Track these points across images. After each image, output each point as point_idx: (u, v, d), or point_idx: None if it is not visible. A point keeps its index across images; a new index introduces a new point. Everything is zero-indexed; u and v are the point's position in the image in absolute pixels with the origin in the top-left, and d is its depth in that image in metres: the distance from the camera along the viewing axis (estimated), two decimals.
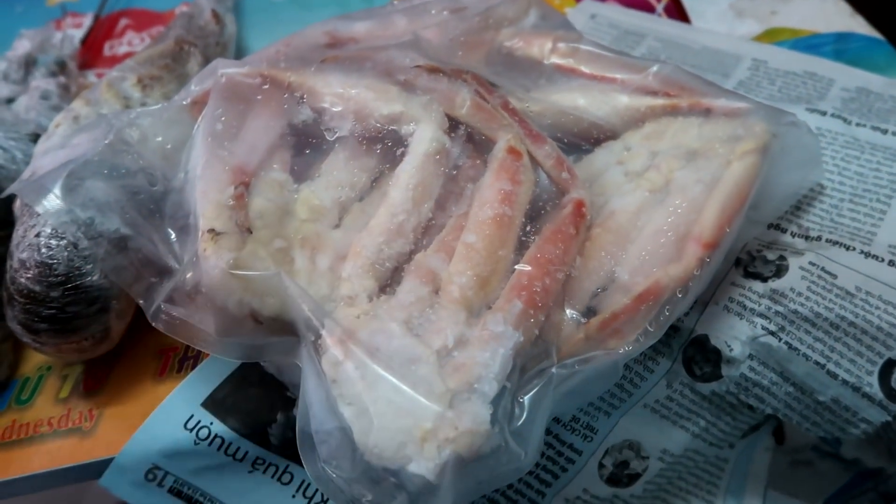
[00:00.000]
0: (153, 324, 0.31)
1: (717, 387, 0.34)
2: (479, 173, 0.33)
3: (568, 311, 0.30)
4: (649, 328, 0.29)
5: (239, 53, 0.56)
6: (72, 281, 0.33)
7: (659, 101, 0.38)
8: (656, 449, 0.35)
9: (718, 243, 0.31)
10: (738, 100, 0.36)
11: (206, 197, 0.31)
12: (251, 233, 0.30)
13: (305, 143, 0.35)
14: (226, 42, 0.53)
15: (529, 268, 0.29)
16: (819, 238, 0.37)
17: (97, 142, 0.34)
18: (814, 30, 0.52)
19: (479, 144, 0.35)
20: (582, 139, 0.37)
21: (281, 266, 0.30)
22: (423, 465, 0.24)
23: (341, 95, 0.35)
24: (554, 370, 0.27)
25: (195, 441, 0.34)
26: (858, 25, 0.51)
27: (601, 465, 0.35)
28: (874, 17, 0.52)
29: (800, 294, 0.34)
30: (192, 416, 0.34)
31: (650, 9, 0.55)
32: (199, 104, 0.36)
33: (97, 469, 0.34)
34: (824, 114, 0.43)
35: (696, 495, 0.38)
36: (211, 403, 0.34)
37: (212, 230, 0.29)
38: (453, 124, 0.34)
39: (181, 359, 0.37)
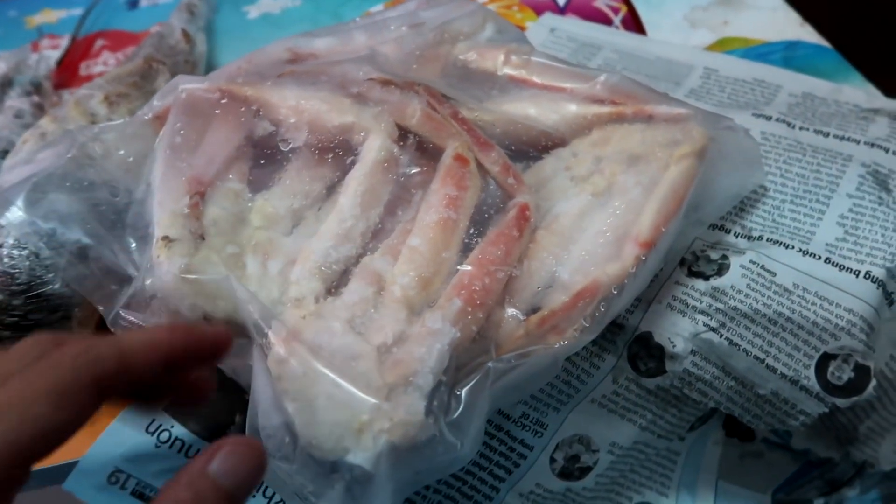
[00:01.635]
0: (112, 329, 0.32)
1: (662, 381, 0.36)
2: (429, 180, 0.35)
3: (511, 310, 0.31)
4: (585, 324, 0.30)
5: (210, 71, 0.57)
6: (34, 289, 0.34)
7: (605, 109, 0.39)
8: (605, 442, 0.36)
9: (655, 243, 0.33)
10: (679, 106, 0.38)
11: (162, 206, 0.32)
12: (204, 239, 0.31)
13: (263, 155, 0.36)
14: (195, 60, 0.54)
15: (471, 268, 0.30)
16: (761, 238, 0.38)
17: (61, 156, 0.35)
18: (764, 39, 0.53)
19: (429, 153, 0.36)
20: (532, 147, 0.39)
21: (233, 271, 0.31)
22: (360, 455, 0.25)
23: (296, 108, 0.36)
24: (490, 364, 0.28)
25: (156, 444, 0.35)
26: (807, 34, 0.53)
27: (552, 460, 0.36)
28: (822, 26, 0.54)
29: (740, 291, 0.36)
30: (153, 419, 0.35)
31: (608, 21, 0.57)
32: (161, 119, 0.37)
33: (61, 473, 0.34)
34: (769, 118, 0.44)
35: (649, 487, 0.39)
36: (171, 407, 0.35)
37: (166, 237, 0.31)
38: (404, 134, 0.36)
39: None
